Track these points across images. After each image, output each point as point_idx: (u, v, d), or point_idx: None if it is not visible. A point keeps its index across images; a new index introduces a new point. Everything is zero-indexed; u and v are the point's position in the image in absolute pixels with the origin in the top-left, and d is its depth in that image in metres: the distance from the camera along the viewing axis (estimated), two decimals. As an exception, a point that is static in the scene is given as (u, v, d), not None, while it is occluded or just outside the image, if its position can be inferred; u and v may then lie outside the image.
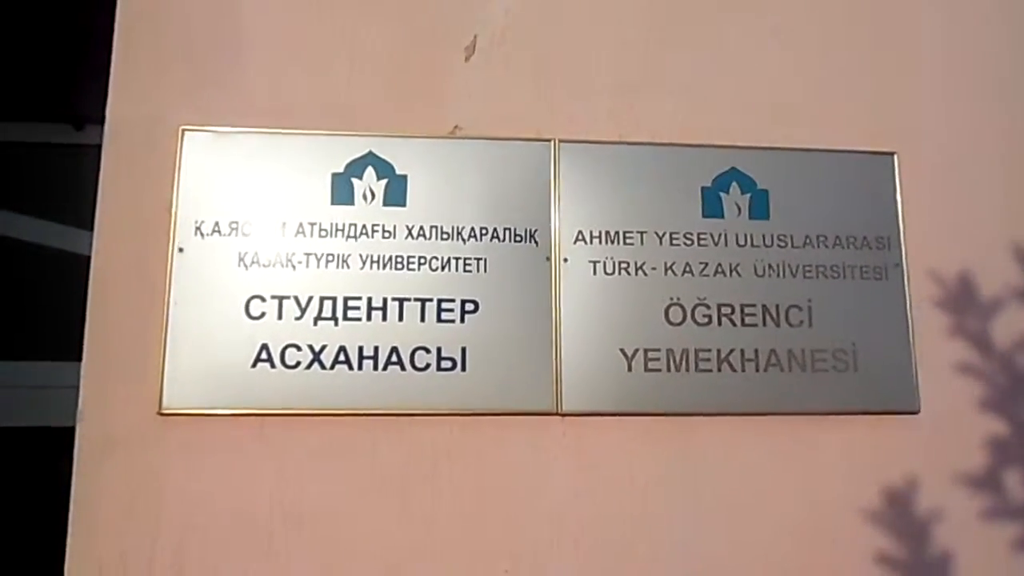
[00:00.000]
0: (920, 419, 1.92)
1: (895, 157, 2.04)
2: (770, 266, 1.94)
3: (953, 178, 2.08)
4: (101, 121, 1.88)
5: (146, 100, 1.88)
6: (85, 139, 3.16)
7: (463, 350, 1.82)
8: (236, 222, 1.82)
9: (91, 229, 1.81)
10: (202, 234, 1.81)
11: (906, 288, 1.97)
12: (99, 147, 1.87)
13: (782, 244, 1.96)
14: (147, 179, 1.84)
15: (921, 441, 1.92)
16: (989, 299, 2.01)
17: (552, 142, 1.95)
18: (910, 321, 1.96)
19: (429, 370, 1.80)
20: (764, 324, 1.91)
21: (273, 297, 1.79)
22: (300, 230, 1.84)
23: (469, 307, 1.84)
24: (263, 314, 1.78)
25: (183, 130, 1.85)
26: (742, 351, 1.89)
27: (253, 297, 1.79)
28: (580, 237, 1.91)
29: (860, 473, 1.89)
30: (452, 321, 1.83)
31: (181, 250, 1.79)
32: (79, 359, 1.76)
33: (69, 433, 1.74)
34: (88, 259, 1.80)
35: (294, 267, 1.82)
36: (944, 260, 2.02)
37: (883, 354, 1.93)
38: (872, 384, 1.92)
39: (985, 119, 2.13)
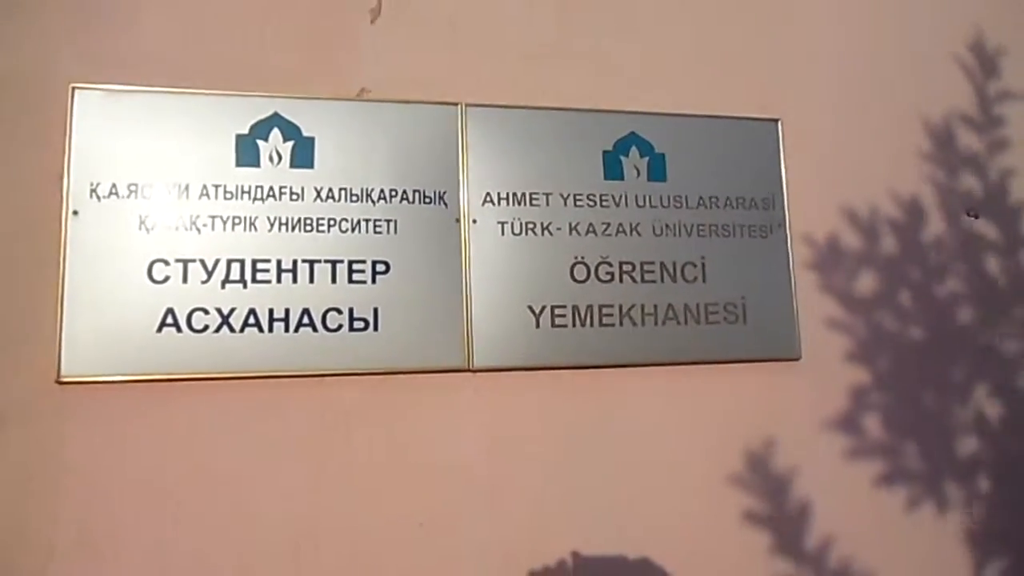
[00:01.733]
0: (801, 365, 2.10)
1: (779, 123, 2.19)
2: (667, 226, 2.05)
3: (832, 143, 2.25)
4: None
5: (31, 54, 1.78)
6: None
7: (375, 310, 1.84)
8: (135, 184, 1.77)
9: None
10: (98, 196, 1.74)
11: (789, 246, 2.13)
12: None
13: (678, 205, 2.07)
14: (35, 139, 1.75)
15: (802, 385, 2.09)
16: (861, 256, 2.21)
17: (460, 106, 1.98)
18: (792, 276, 2.12)
19: (341, 331, 1.81)
20: (662, 280, 2.02)
21: (177, 260, 1.76)
22: (204, 192, 1.80)
23: (380, 268, 1.86)
24: (167, 278, 1.74)
25: (73, 87, 1.76)
26: (642, 306, 2.00)
27: (156, 261, 1.75)
28: (488, 199, 1.96)
29: (749, 414, 2.05)
30: (363, 282, 1.85)
31: (76, 213, 1.72)
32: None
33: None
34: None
35: (199, 230, 1.78)
36: (822, 220, 2.19)
37: (768, 307, 2.09)
38: (759, 334, 2.07)
39: (864, 89, 2.31)
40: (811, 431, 2.08)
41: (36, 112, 1.75)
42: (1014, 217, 2.36)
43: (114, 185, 1.76)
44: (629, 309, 1.99)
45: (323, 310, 1.81)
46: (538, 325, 1.93)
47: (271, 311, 1.78)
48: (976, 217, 2.34)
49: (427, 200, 1.92)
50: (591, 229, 2.00)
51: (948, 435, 2.20)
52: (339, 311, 1.82)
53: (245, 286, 1.78)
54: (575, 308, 1.96)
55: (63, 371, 1.67)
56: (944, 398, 2.21)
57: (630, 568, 1.91)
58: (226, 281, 1.77)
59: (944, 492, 2.15)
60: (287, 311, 1.79)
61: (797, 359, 2.09)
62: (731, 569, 1.97)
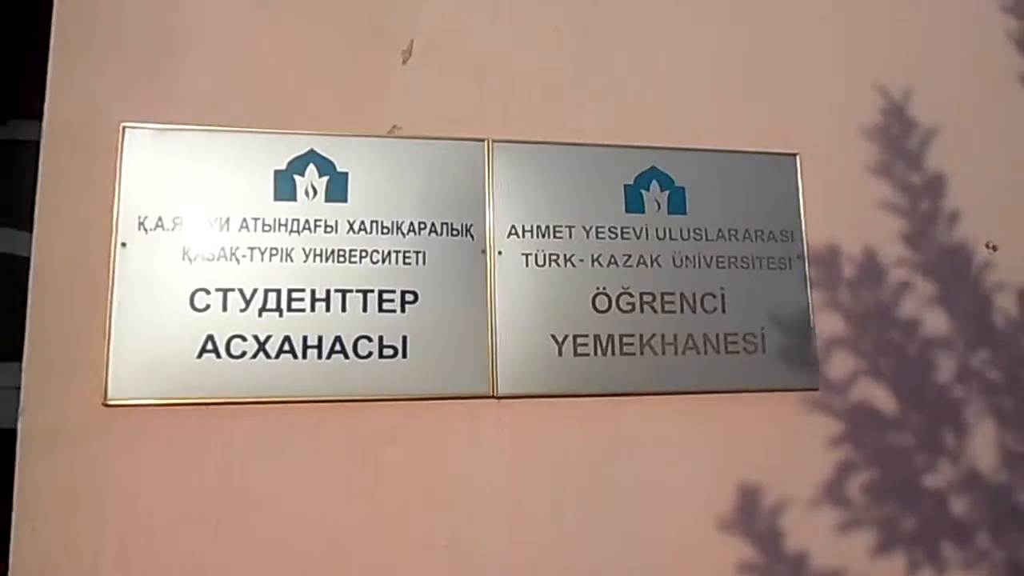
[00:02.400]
0: (819, 395, 2.13)
1: (797, 158, 2.24)
2: (687, 257, 2.11)
3: (849, 178, 2.29)
4: (29, 116, 1.87)
5: (85, 96, 1.89)
6: (10, 135, 3.08)
7: (404, 338, 1.91)
8: (179, 217, 1.87)
9: (28, 230, 1.82)
10: (145, 229, 1.85)
11: (807, 277, 2.18)
12: (27, 143, 1.87)
13: (698, 237, 2.13)
14: (87, 175, 1.86)
15: (820, 414, 2.12)
16: (879, 288, 2.24)
17: (486, 142, 2.06)
18: (811, 307, 2.16)
19: (371, 358, 1.89)
20: (682, 311, 2.08)
21: (218, 290, 1.85)
22: (244, 225, 1.90)
23: (409, 297, 1.94)
24: (208, 306, 1.84)
25: (124, 126, 1.88)
26: (662, 335, 2.05)
27: (198, 290, 1.84)
28: (513, 231, 2.03)
29: (767, 442, 2.08)
30: (393, 311, 1.92)
31: (124, 245, 1.83)
32: (21, 359, 1.77)
33: (11, 435, 1.74)
34: (26, 260, 1.81)
35: (238, 260, 1.88)
36: (841, 252, 2.23)
37: (787, 337, 2.13)
38: (778, 364, 2.11)
39: (878, 126, 2.35)
40: (828, 460, 2.11)
41: (89, 150, 1.87)
42: (1033, 249, 2.38)
43: (160, 218, 1.86)
44: (649, 338, 2.04)
45: (354, 338, 1.89)
46: (560, 353, 1.99)
47: (305, 338, 1.87)
48: (995, 249, 2.36)
49: (454, 232, 2.00)
50: (612, 261, 2.07)
51: (958, 482, 2.20)
52: (369, 339, 1.90)
53: (281, 314, 1.87)
54: (597, 337, 2.02)
55: (110, 394, 1.76)
56: (961, 434, 2.22)
57: (649, 593, 1.95)
58: (263, 309, 1.86)
59: (947, 547, 2.14)
60: (320, 338, 1.87)
61: (815, 389, 2.13)
62: (749, 596, 2.00)
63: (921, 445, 2.18)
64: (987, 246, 2.36)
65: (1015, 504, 2.22)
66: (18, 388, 1.76)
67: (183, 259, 1.85)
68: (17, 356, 1.76)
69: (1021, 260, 2.37)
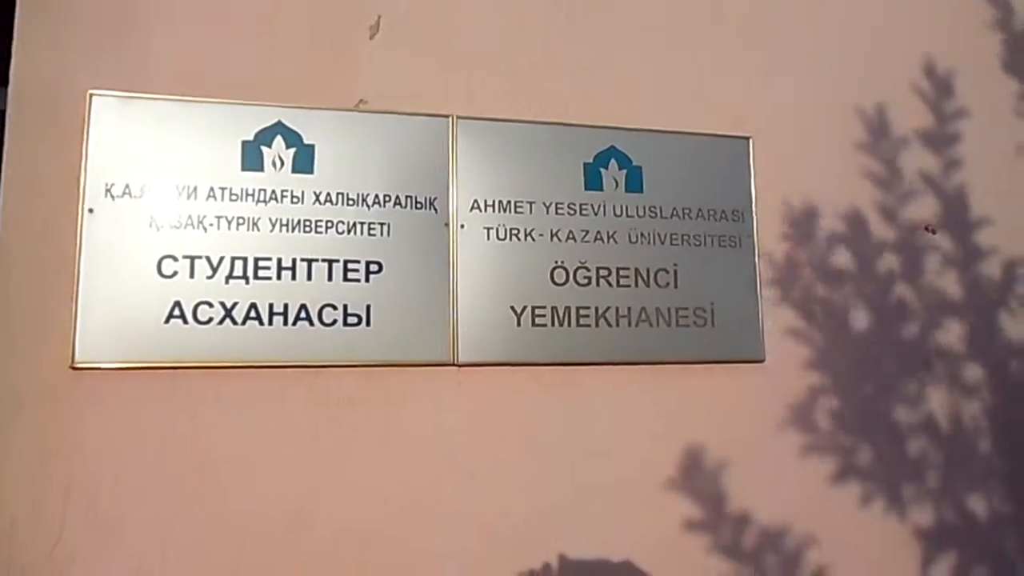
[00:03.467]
0: (764, 366, 2.25)
1: (751, 141, 2.34)
2: (642, 234, 2.20)
3: (799, 161, 2.40)
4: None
5: (52, 63, 1.90)
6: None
7: (368, 307, 1.98)
8: (147, 185, 1.90)
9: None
10: (112, 196, 1.87)
11: (756, 255, 2.29)
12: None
13: (653, 215, 2.22)
14: (55, 142, 1.87)
15: (765, 385, 2.24)
16: (823, 266, 2.36)
17: (451, 118, 2.12)
18: (758, 283, 2.27)
19: (336, 325, 1.95)
20: (636, 285, 2.17)
21: (185, 257, 1.89)
22: (211, 194, 1.93)
23: (373, 268, 2.00)
24: (175, 273, 1.88)
25: (91, 94, 1.89)
26: (617, 308, 2.14)
27: (165, 257, 1.88)
28: (476, 205, 2.10)
29: (715, 411, 2.20)
30: (357, 280, 1.98)
31: (91, 211, 1.85)
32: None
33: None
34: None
35: (205, 229, 1.92)
36: (788, 231, 2.34)
37: (736, 312, 2.24)
38: (726, 337, 2.22)
39: (829, 112, 2.46)
40: (773, 428, 2.24)
41: (56, 117, 1.88)
42: (967, 232, 2.52)
43: (127, 186, 1.89)
44: (605, 311, 2.13)
45: (319, 306, 1.95)
46: (519, 324, 2.07)
47: (271, 306, 1.92)
48: (934, 232, 2.49)
49: (418, 206, 2.06)
50: (571, 236, 2.15)
51: (898, 435, 2.35)
52: (334, 307, 1.96)
53: (247, 282, 1.91)
54: (554, 309, 2.10)
55: (77, 357, 1.80)
56: (895, 400, 2.37)
57: (599, 546, 2.05)
58: (230, 277, 1.91)
59: (895, 490, 2.30)
60: (286, 306, 1.93)
61: (761, 361, 2.25)
62: (695, 547, 2.12)
63: (860, 413, 2.32)
64: (926, 228, 2.49)
65: (956, 461, 2.37)
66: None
67: (150, 226, 1.88)
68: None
69: (959, 241, 2.50)
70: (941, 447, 2.38)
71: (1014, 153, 2.62)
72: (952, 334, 2.46)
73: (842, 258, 2.39)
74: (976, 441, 2.42)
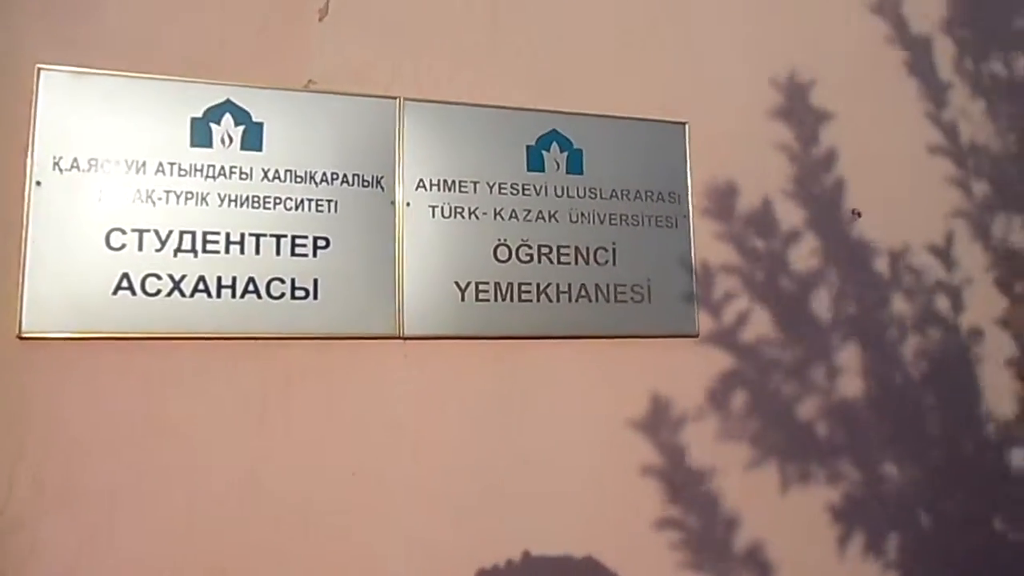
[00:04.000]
0: (698, 340, 2.37)
1: (687, 126, 2.45)
2: (582, 214, 2.30)
3: (733, 145, 2.52)
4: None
5: (1, 37, 1.92)
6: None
7: (315, 281, 2.04)
8: (95, 159, 1.93)
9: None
10: (60, 169, 1.90)
11: (691, 235, 2.40)
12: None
13: (593, 196, 2.32)
14: (2, 116, 1.89)
15: (698, 358, 2.36)
16: (755, 246, 2.49)
17: (398, 100, 2.19)
18: (693, 262, 2.39)
19: (284, 299, 2.01)
20: (576, 263, 2.27)
21: (133, 230, 1.93)
22: (160, 169, 1.97)
23: (321, 243, 2.06)
24: (123, 245, 1.91)
25: (39, 68, 1.92)
26: (558, 285, 2.24)
27: (113, 230, 1.91)
28: (421, 184, 2.17)
29: (650, 382, 2.31)
30: (305, 255, 2.04)
31: (39, 183, 1.88)
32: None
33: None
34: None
35: (154, 203, 1.96)
36: (722, 213, 2.46)
37: (671, 288, 2.35)
38: (662, 313, 2.33)
39: (762, 98, 2.59)
40: (703, 399, 2.36)
41: (4, 90, 1.90)
42: (893, 216, 2.67)
43: (75, 159, 1.92)
44: (546, 287, 2.23)
45: (267, 279, 2.00)
46: (463, 299, 2.15)
47: (219, 279, 1.97)
48: (859, 216, 2.64)
49: (365, 184, 2.13)
50: (513, 215, 2.23)
51: (819, 414, 2.49)
52: (282, 281, 2.01)
53: (196, 255, 1.96)
54: (497, 285, 2.19)
55: (24, 327, 1.82)
56: (818, 380, 2.50)
57: (538, 515, 2.15)
58: (178, 250, 1.95)
59: (810, 468, 2.43)
60: (234, 279, 1.98)
61: (695, 336, 2.36)
62: (629, 513, 2.22)
63: (789, 380, 2.45)
64: (852, 212, 2.63)
65: (874, 442, 2.52)
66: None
67: (98, 200, 1.92)
68: (-71, 292, 1.81)
69: (881, 224, 2.65)
70: (864, 423, 2.52)
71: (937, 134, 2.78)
72: (878, 310, 2.61)
73: (773, 239, 2.52)
74: (901, 416, 2.58)
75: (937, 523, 2.55)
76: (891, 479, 2.53)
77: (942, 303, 2.69)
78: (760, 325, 2.45)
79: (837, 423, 2.49)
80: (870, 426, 2.53)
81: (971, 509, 2.59)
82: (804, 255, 2.55)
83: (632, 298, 2.30)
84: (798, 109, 2.62)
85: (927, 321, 2.65)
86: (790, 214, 2.55)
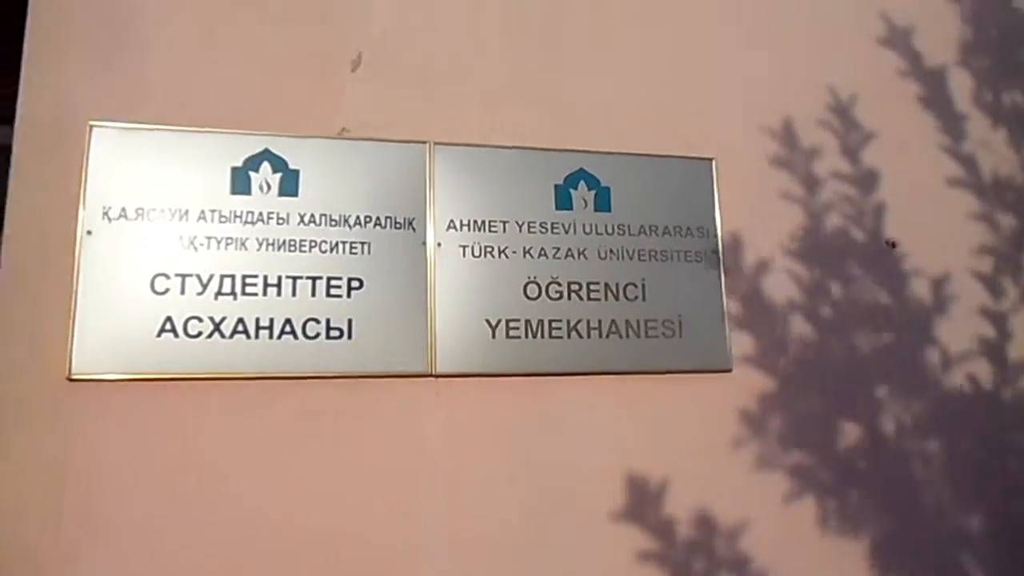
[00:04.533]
0: (732, 376, 2.35)
1: (713, 162, 2.47)
2: (611, 251, 2.32)
3: (760, 181, 2.52)
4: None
5: (55, 97, 2.05)
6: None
7: (349, 321, 2.09)
8: (142, 208, 2.03)
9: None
10: (109, 218, 2.01)
11: (720, 270, 2.40)
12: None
13: (621, 233, 2.34)
14: (56, 170, 2.02)
15: (732, 393, 2.34)
16: (785, 280, 2.47)
17: (428, 144, 2.26)
18: (723, 297, 2.38)
19: (319, 338, 2.06)
20: (606, 299, 2.28)
21: (176, 275, 2.01)
22: (202, 216, 2.06)
23: (355, 284, 2.12)
24: (167, 290, 2.00)
25: (91, 125, 2.04)
26: (588, 321, 2.25)
27: (158, 275, 2.00)
28: (452, 225, 2.22)
29: (684, 419, 2.28)
30: (340, 296, 2.10)
31: (89, 233, 1.98)
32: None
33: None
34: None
35: (196, 249, 2.04)
36: (751, 248, 2.46)
37: (702, 323, 2.34)
38: (694, 348, 2.32)
39: (789, 134, 2.59)
40: (739, 436, 2.32)
41: (59, 145, 2.03)
42: (928, 248, 2.63)
43: (123, 209, 2.02)
44: (576, 324, 2.24)
45: (303, 320, 2.06)
46: (494, 336, 2.18)
47: (257, 320, 2.03)
48: (894, 246, 2.61)
49: (398, 226, 2.19)
50: (543, 253, 2.27)
51: (857, 448, 2.42)
52: (317, 321, 2.07)
53: (235, 298, 2.03)
54: (527, 322, 2.21)
55: (73, 369, 1.91)
56: (856, 414, 2.45)
57: (572, 552, 2.13)
58: (219, 293, 2.03)
59: (849, 505, 2.36)
60: (271, 320, 2.04)
61: (728, 371, 2.34)
62: (664, 547, 2.18)
63: (820, 418, 2.40)
64: (887, 243, 2.60)
65: (919, 475, 2.45)
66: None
67: (144, 247, 2.01)
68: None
69: (918, 255, 2.61)
70: (900, 457, 2.45)
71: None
72: (914, 345, 2.55)
73: (803, 271, 2.50)
74: (935, 451, 2.50)
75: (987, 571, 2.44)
76: (935, 522, 2.44)
77: (986, 331, 2.62)
78: (794, 360, 2.42)
79: (876, 459, 2.43)
80: (914, 464, 2.46)
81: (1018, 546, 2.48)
82: (837, 287, 2.51)
83: (663, 333, 2.30)
84: (824, 142, 2.62)
85: (966, 356, 2.58)
86: (820, 246, 2.53)
